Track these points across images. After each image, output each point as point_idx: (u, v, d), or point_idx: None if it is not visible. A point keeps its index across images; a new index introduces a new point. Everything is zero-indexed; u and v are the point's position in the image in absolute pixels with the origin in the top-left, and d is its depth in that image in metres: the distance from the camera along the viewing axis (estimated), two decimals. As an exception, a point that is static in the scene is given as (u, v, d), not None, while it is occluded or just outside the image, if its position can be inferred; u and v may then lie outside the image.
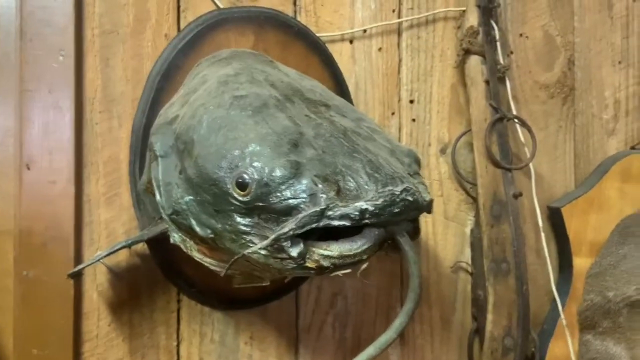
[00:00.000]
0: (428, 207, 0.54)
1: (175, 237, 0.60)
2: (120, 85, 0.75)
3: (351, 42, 0.87)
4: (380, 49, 0.88)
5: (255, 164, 0.50)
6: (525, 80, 0.98)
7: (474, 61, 0.87)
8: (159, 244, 0.69)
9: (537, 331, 0.91)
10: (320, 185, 0.49)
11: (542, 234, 0.91)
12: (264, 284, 0.72)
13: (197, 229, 0.56)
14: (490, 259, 0.83)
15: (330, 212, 0.48)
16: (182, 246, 0.61)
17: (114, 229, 0.74)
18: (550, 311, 0.92)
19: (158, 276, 0.75)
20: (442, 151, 0.91)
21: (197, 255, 0.61)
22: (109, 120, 0.74)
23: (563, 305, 0.91)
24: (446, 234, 0.91)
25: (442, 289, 0.90)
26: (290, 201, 0.49)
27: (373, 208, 0.48)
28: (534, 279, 0.94)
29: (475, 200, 0.90)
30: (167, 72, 0.69)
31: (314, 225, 0.48)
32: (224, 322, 0.78)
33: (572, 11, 1.01)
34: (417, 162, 0.60)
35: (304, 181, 0.49)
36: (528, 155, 0.91)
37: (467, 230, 0.92)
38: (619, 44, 1.04)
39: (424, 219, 0.90)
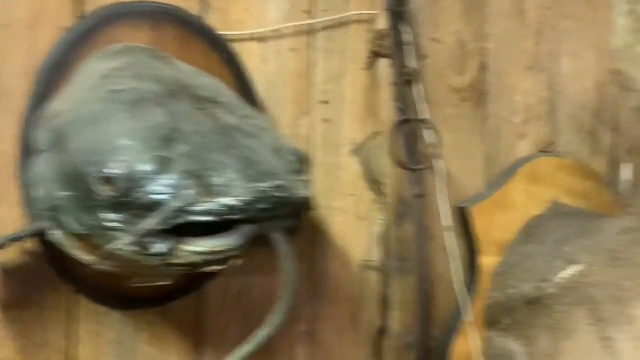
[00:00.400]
0: (303, 204, 0.55)
1: (55, 235, 0.59)
2: (14, 80, 0.73)
3: (262, 41, 0.87)
4: (292, 50, 0.89)
5: (122, 158, 0.50)
6: (438, 84, 1.00)
7: (383, 64, 0.89)
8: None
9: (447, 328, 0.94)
10: (186, 181, 0.49)
11: (449, 234, 0.93)
12: (164, 283, 0.71)
13: (73, 225, 0.55)
14: (395, 258, 0.85)
15: (194, 208, 0.48)
16: (62, 244, 0.60)
17: (4, 226, 0.72)
18: (457, 309, 0.95)
19: (51, 275, 0.73)
20: (355, 152, 0.92)
21: (78, 254, 0.60)
22: (0, 115, 0.72)
23: (469, 303, 0.94)
24: (357, 233, 0.92)
25: (351, 288, 0.91)
26: (155, 196, 0.48)
27: (239, 204, 0.49)
28: (445, 277, 0.96)
29: (387, 200, 0.92)
30: (58, 67, 0.67)
31: (178, 221, 0.48)
32: (122, 322, 0.77)
33: (485, 18, 1.04)
34: (303, 160, 0.60)
35: (171, 177, 0.49)
36: (444, 157, 0.94)
37: (379, 230, 0.93)
38: (531, 51, 1.08)
39: (334, 219, 0.91)
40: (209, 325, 0.82)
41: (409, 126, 0.86)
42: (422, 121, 0.89)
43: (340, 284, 0.91)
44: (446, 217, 0.94)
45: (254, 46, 0.87)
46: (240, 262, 0.53)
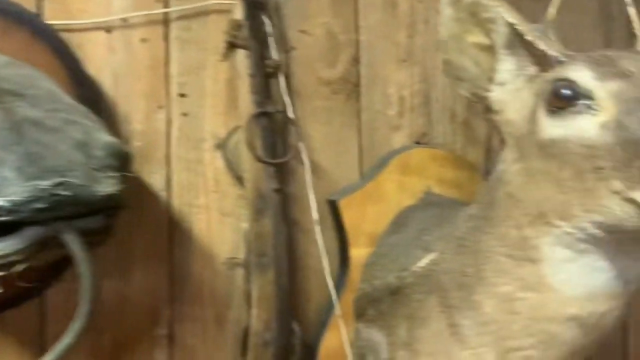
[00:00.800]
0: (105, 203, 0.52)
1: None
2: None
3: (108, 31, 0.83)
4: (143, 40, 0.85)
5: None
6: (307, 76, 0.99)
7: (241, 55, 0.86)
8: None
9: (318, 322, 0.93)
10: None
11: (317, 227, 0.92)
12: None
13: None
14: (255, 254, 0.83)
15: (-44, 209, 0.44)
16: None
17: None
18: (327, 302, 0.94)
19: None
20: (218, 146, 0.90)
21: None
22: None
23: (339, 296, 0.93)
24: (222, 230, 0.90)
25: (216, 287, 0.89)
26: None
27: (6, 204, 0.45)
28: (317, 270, 0.95)
29: (252, 195, 0.89)
30: None
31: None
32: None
33: (356, 9, 1.04)
34: (115, 155, 0.57)
35: None
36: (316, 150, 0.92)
37: (244, 226, 0.91)
38: (403, 43, 1.09)
39: (197, 216, 0.88)
40: (52, 334, 0.77)
41: (267, 119, 0.84)
42: (281, 113, 0.87)
43: (204, 284, 0.88)
44: (314, 210, 0.93)
45: (99, 36, 0.82)
46: (23, 266, 0.48)
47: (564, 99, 0.61)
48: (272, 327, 0.81)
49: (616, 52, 0.63)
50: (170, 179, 0.86)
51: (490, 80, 0.70)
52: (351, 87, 1.03)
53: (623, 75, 0.59)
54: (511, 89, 0.69)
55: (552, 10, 0.66)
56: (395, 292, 0.87)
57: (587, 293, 0.64)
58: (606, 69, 0.60)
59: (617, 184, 0.56)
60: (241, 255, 0.90)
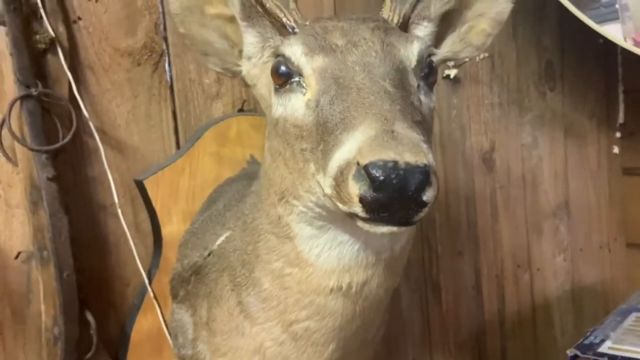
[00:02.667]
0: None
1: None
2: None
3: None
4: None
5: None
6: (102, 48, 0.92)
7: (1, 32, 0.78)
8: None
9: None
10: None
11: (119, 210, 0.88)
12: None
13: None
14: (36, 248, 0.78)
15: None
16: None
17: None
18: (141, 285, 0.92)
19: None
20: (-6, 134, 0.83)
21: None
22: None
23: (152, 277, 0.91)
24: (10, 223, 0.84)
25: (10, 282, 0.84)
26: None
27: None
28: (126, 253, 0.92)
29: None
30: None
31: None
32: None
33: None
34: None
35: None
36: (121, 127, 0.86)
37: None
38: None
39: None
40: None
41: (34, 102, 0.78)
42: (48, 95, 0.80)
43: (-4, 280, 0.83)
44: (114, 192, 0.88)
45: None
46: None
47: (281, 76, 0.58)
48: (58, 322, 0.77)
49: (337, 20, 0.60)
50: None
51: (241, 53, 0.66)
52: (157, 56, 0.97)
53: (330, 49, 0.56)
54: (258, 62, 0.65)
55: (295, -25, 0.62)
56: (199, 272, 0.85)
57: (341, 265, 0.64)
58: (317, 42, 0.57)
59: (312, 167, 0.55)
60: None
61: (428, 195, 0.47)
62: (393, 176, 0.45)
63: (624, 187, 1.58)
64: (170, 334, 0.89)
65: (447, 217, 1.34)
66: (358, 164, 0.47)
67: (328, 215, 0.59)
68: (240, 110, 1.06)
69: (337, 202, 0.51)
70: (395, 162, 0.46)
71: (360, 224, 0.51)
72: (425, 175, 0.46)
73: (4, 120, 0.80)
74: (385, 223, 0.49)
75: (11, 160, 0.81)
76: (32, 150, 0.76)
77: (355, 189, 0.48)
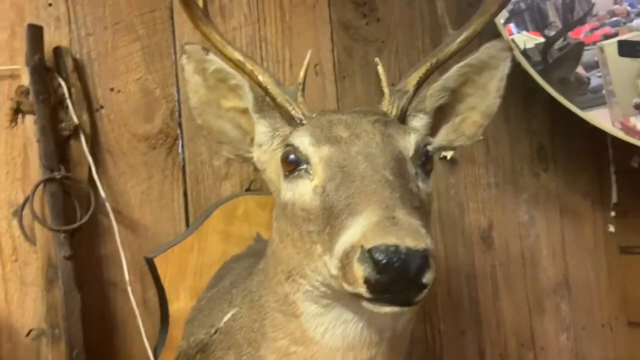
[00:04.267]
0: None
1: None
2: None
3: None
4: None
5: None
6: (121, 133, 0.99)
7: (29, 121, 0.85)
8: None
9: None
10: None
11: (128, 287, 0.91)
12: None
13: None
14: (48, 325, 0.80)
15: None
16: None
17: None
18: (146, 363, 0.93)
19: None
20: (15, 213, 0.87)
21: None
22: None
23: (158, 355, 0.92)
24: (24, 300, 0.87)
25: (20, 359, 0.85)
26: None
27: None
28: (133, 331, 0.94)
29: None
30: None
31: None
32: None
33: (173, 64, 1.05)
34: None
35: None
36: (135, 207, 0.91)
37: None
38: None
39: (-7, 288, 0.85)
40: None
41: (56, 184, 0.83)
42: (69, 178, 0.85)
43: (6, 357, 0.84)
44: (125, 270, 0.91)
45: None
46: None
47: (290, 164, 0.63)
48: (65, 401, 0.78)
49: (340, 113, 0.66)
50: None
51: (252, 141, 0.72)
52: (171, 140, 1.03)
53: (335, 140, 0.61)
54: (268, 149, 0.71)
55: (302, 74, 0.69)
56: (204, 350, 0.86)
57: (345, 344, 0.66)
58: (324, 134, 0.63)
59: (318, 248, 0.59)
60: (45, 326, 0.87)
61: (427, 278, 0.51)
62: (395, 260, 0.49)
63: (621, 265, 1.60)
64: (173, 413, 0.89)
65: (449, 294, 1.36)
66: (362, 247, 0.51)
67: (333, 294, 0.62)
68: (248, 189, 1.11)
69: (343, 283, 0.55)
70: (397, 247, 0.50)
71: (364, 304, 0.54)
72: (424, 259, 0.50)
73: (26, 201, 0.85)
74: (388, 303, 0.52)
75: (30, 239, 0.85)
76: (52, 230, 0.80)
77: (360, 271, 0.51)
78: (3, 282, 0.85)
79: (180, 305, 0.95)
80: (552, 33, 1.21)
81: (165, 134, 1.02)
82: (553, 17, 1.22)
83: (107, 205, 0.91)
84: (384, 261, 0.49)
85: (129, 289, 0.91)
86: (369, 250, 0.50)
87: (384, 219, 0.51)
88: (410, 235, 0.50)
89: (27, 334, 0.85)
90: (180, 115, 1.04)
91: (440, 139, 0.75)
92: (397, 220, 0.52)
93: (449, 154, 1.38)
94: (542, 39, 1.21)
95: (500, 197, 1.46)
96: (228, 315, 0.85)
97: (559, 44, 1.21)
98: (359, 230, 0.53)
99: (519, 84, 1.36)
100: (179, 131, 1.04)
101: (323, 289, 0.62)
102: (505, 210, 1.48)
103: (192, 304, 0.96)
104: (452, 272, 1.38)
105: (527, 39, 1.22)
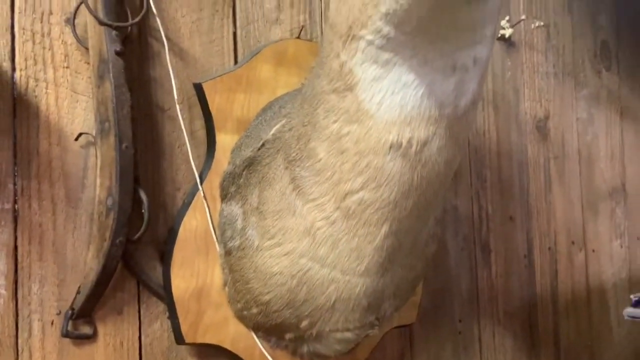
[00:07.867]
0: None
1: None
2: None
3: None
4: None
5: None
6: (173, -40, 0.96)
7: None
8: None
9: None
10: None
11: (178, 110, 0.90)
12: None
13: None
14: (98, 121, 0.80)
15: None
16: None
17: None
18: (192, 184, 0.92)
19: None
20: (68, 21, 0.86)
21: None
22: None
23: (203, 179, 0.91)
24: (74, 108, 0.86)
25: (67, 164, 0.85)
26: None
27: None
28: (180, 157, 0.93)
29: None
30: None
31: None
32: None
33: None
34: None
35: None
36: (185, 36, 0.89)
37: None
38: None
39: (45, 91, 0.85)
40: None
41: (109, -18, 0.81)
42: (123, -24, 0.83)
43: (52, 161, 0.84)
44: (174, 90, 0.90)
45: None
46: None
47: None
48: (112, 193, 0.77)
49: None
50: (14, 50, 0.82)
51: None
52: (226, -24, 1.00)
53: None
54: None
55: None
56: (250, 164, 0.85)
57: (402, 116, 0.62)
58: None
59: None
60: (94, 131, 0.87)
61: None
62: None
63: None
64: (216, 235, 0.88)
65: (499, 178, 1.30)
66: None
67: (396, 40, 0.59)
68: (297, 37, 1.07)
69: None
70: None
71: None
72: None
73: (80, 4, 0.84)
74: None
75: (81, 42, 0.84)
76: (103, 24, 0.79)
77: None
78: (54, 87, 0.85)
79: (227, 136, 0.93)
80: None
81: (217, -32, 0.99)
82: None
83: (158, 20, 0.89)
84: None
85: (178, 107, 0.90)
86: None
87: None
88: None
89: (76, 138, 0.85)
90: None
91: None
92: None
93: (507, 32, 1.31)
94: None
95: (558, 88, 1.39)
96: (277, 127, 0.83)
97: None
98: None
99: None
100: (231, -33, 1.01)
101: (386, 29, 0.58)
102: (564, 103, 1.40)
103: (237, 136, 0.94)
104: (504, 157, 1.32)
105: None
